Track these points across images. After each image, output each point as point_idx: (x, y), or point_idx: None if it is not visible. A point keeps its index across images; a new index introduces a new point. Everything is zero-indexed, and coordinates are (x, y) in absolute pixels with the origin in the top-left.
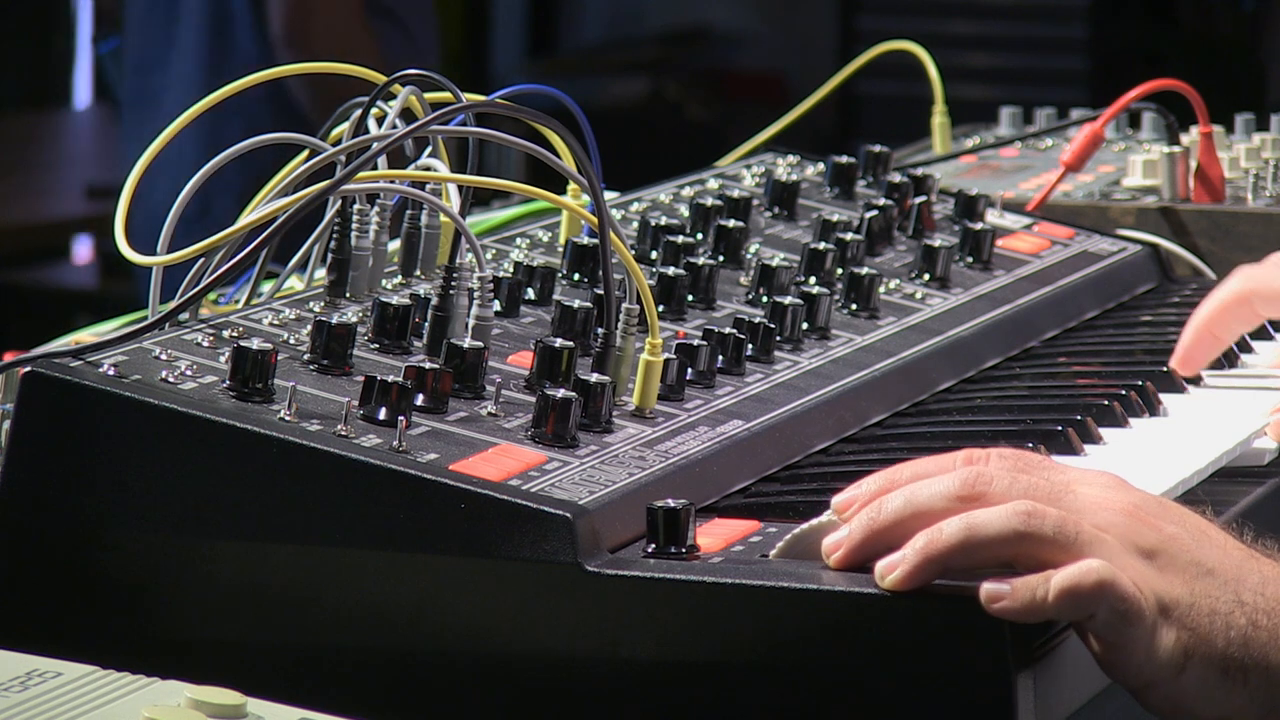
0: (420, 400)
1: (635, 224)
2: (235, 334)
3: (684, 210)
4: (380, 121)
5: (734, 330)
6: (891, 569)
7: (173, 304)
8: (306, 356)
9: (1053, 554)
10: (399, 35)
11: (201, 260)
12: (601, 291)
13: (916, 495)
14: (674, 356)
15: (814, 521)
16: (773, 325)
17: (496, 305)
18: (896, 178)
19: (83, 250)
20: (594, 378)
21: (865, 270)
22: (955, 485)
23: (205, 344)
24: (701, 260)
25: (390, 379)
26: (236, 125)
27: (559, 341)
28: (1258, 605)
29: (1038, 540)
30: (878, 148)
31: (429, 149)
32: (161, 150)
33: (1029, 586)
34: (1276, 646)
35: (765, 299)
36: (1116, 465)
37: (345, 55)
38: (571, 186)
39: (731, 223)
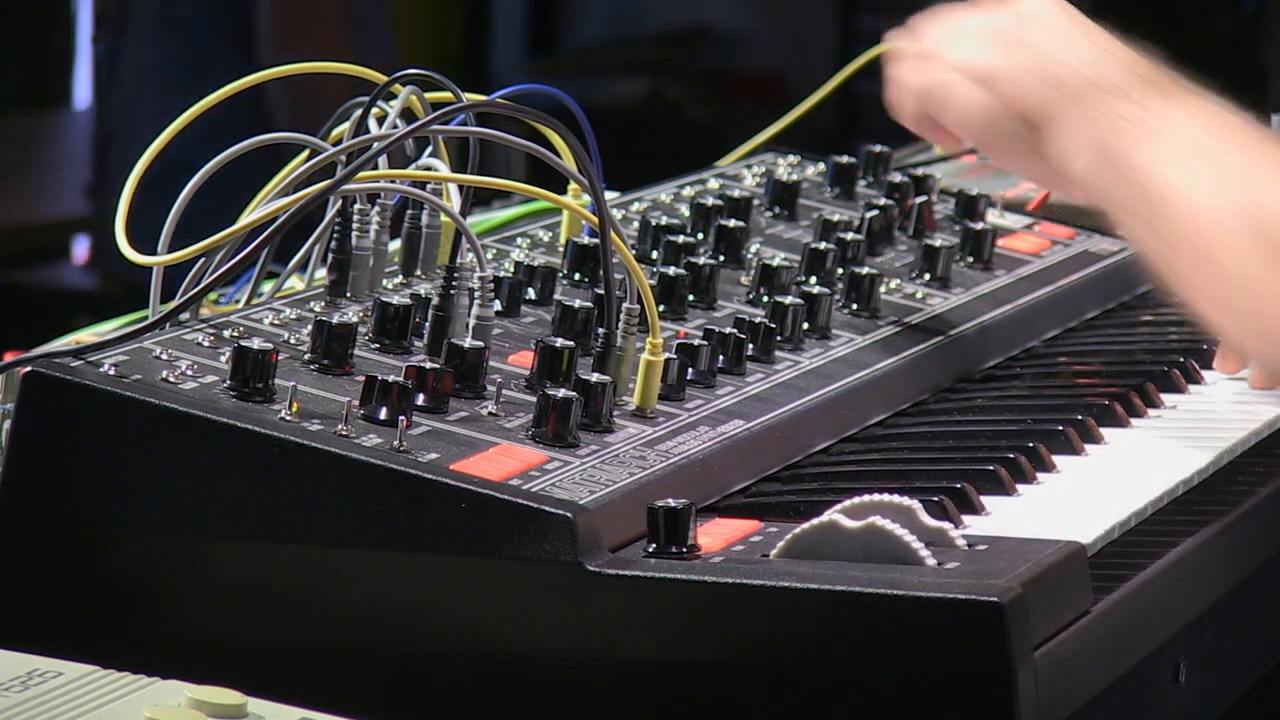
0: (421, 400)
1: (636, 224)
2: (236, 334)
3: (684, 210)
4: (381, 121)
5: (735, 330)
6: None
7: (173, 304)
8: (307, 356)
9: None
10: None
11: (202, 260)
12: (602, 291)
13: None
14: (675, 356)
15: (814, 521)
16: (773, 325)
17: (497, 305)
18: (897, 177)
19: (83, 250)
20: (594, 377)
21: (866, 270)
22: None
23: (206, 344)
24: (702, 260)
25: (391, 379)
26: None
27: (560, 341)
28: (1064, 95)
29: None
30: (878, 148)
31: (429, 149)
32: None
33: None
34: (1060, 121)
35: (766, 299)
36: (1118, 465)
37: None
38: (572, 186)
39: (732, 223)
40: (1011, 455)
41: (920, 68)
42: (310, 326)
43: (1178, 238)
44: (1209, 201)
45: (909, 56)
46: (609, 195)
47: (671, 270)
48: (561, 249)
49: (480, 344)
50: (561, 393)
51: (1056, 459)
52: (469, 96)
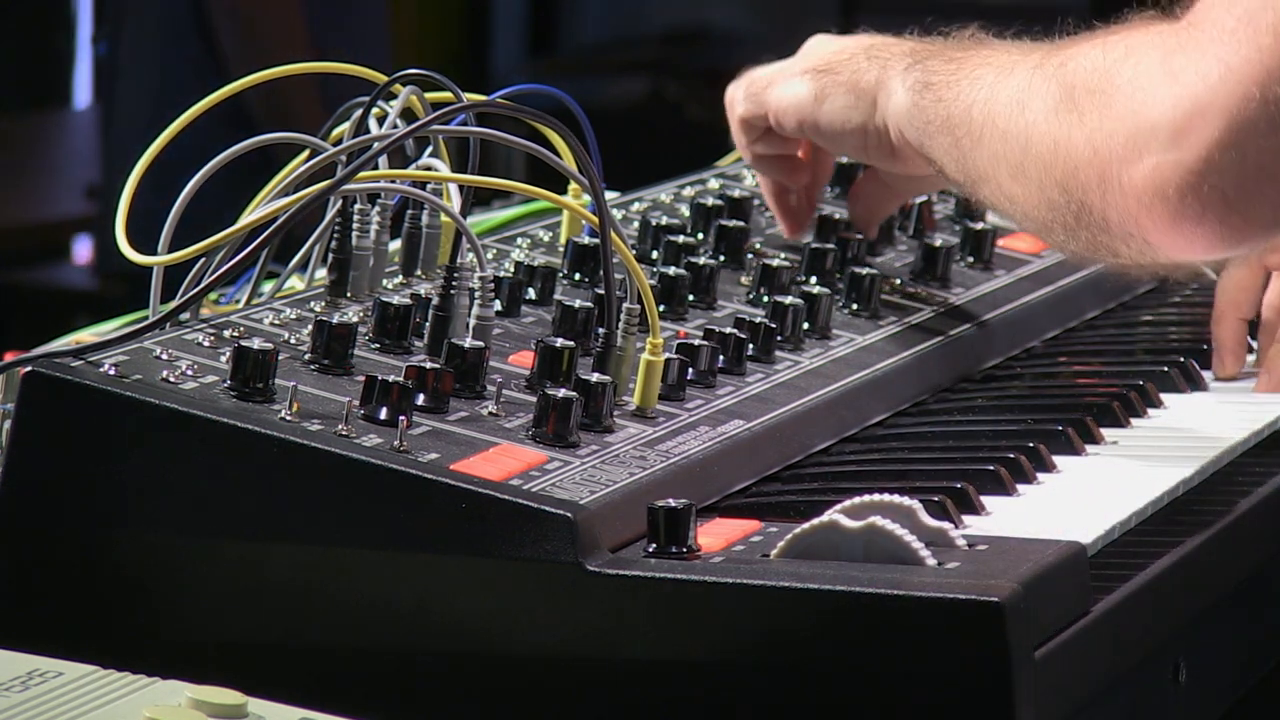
0: (421, 400)
1: (636, 224)
2: (236, 334)
3: (685, 210)
4: (381, 121)
5: (735, 330)
6: None
7: (173, 304)
8: (307, 356)
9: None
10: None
11: (202, 260)
12: (602, 291)
13: None
14: (675, 356)
15: (814, 521)
16: (774, 325)
17: (497, 305)
18: None
19: (83, 250)
20: (595, 377)
21: (866, 270)
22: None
23: (206, 344)
24: (702, 260)
25: (391, 379)
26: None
27: (560, 341)
28: (889, 61)
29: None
30: None
31: (430, 149)
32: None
33: None
34: (886, 80)
35: (766, 299)
36: (1117, 465)
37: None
38: (572, 186)
39: (732, 222)
40: (1011, 455)
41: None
42: (310, 326)
43: (985, 130)
44: (1009, 85)
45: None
46: (609, 195)
47: (671, 270)
48: (561, 249)
49: (480, 344)
50: (561, 393)
51: (1056, 459)
52: (469, 96)
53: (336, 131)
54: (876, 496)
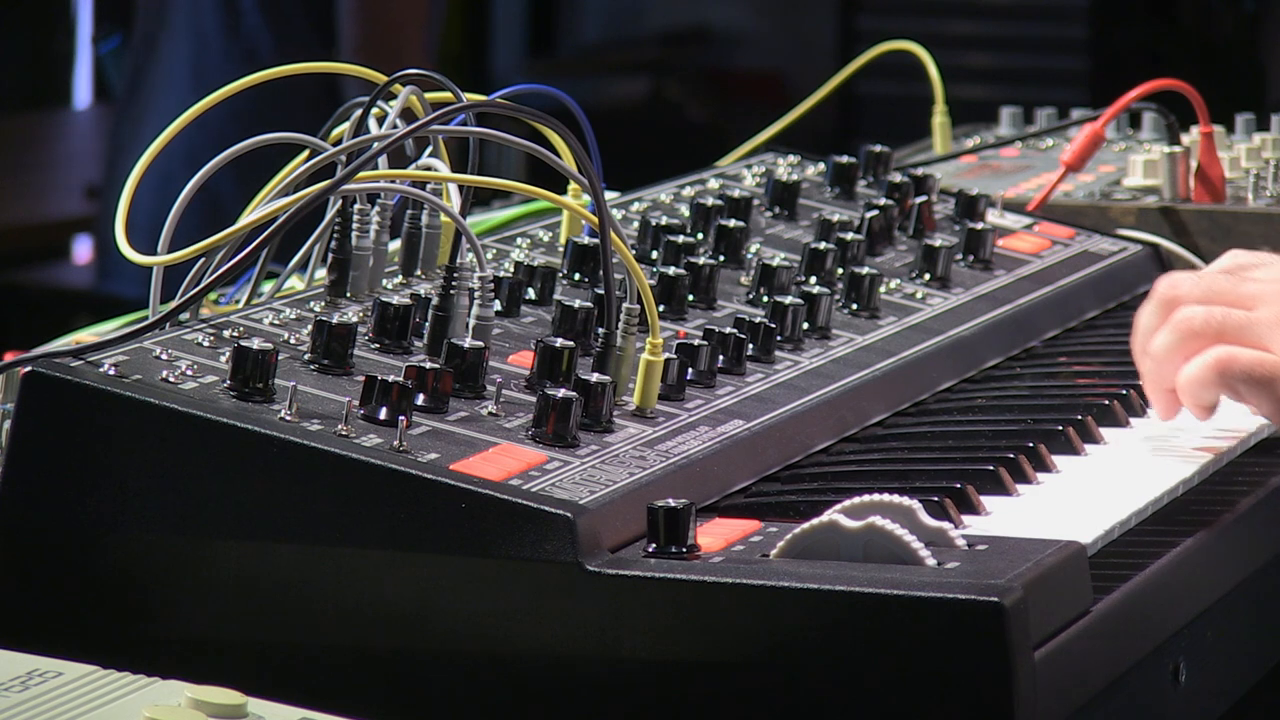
0: (421, 400)
1: (636, 224)
2: (236, 334)
3: (685, 210)
4: (380, 121)
5: (734, 330)
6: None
7: (173, 304)
8: (307, 356)
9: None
10: None
11: (202, 260)
12: (602, 291)
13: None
14: (674, 356)
15: (814, 521)
16: (773, 325)
17: (497, 305)
18: (897, 178)
19: (83, 250)
20: (594, 377)
21: (866, 270)
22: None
23: (206, 344)
24: (702, 260)
25: (391, 379)
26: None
27: (560, 341)
28: None
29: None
30: (878, 148)
31: (429, 149)
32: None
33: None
34: None
35: (766, 299)
36: (1117, 465)
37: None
38: (572, 186)
39: (732, 222)
40: (1011, 455)
41: None
42: (310, 326)
43: None
44: None
45: None
46: (609, 195)
47: (671, 270)
48: (561, 249)
49: (480, 344)
50: (561, 393)
51: (1056, 459)
52: (469, 96)
53: (336, 132)
54: (876, 496)
